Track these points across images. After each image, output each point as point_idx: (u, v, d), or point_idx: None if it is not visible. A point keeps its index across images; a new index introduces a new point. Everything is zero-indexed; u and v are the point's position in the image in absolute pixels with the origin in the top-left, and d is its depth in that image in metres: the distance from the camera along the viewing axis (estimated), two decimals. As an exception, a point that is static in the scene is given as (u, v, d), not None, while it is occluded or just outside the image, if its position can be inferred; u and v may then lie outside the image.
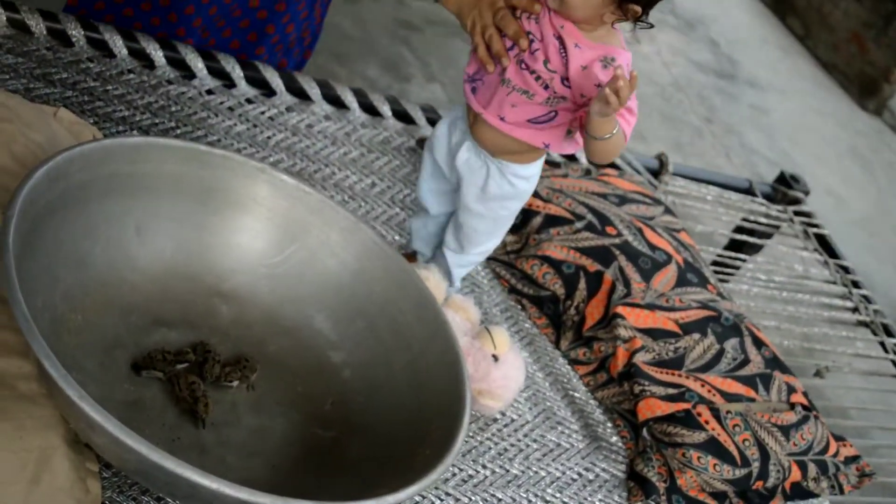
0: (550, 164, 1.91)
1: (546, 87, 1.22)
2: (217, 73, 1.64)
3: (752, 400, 1.53)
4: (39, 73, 1.47)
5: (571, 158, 1.98)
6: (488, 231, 1.40)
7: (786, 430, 1.50)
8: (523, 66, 1.22)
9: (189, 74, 1.62)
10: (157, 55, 1.59)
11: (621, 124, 1.19)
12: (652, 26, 1.21)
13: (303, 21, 1.69)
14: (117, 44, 1.57)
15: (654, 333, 1.54)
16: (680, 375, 1.51)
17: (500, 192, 1.34)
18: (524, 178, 1.33)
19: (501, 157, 1.30)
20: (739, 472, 1.43)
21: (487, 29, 1.24)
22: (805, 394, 1.64)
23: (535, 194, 1.70)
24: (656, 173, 2.15)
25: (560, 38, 1.19)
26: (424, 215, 1.47)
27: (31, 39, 1.51)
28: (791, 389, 1.60)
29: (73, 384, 0.86)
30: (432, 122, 1.87)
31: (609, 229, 1.68)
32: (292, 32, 1.69)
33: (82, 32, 1.55)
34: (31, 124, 1.28)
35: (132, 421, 1.02)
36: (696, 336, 1.57)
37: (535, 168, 1.33)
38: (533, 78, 1.22)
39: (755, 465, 1.45)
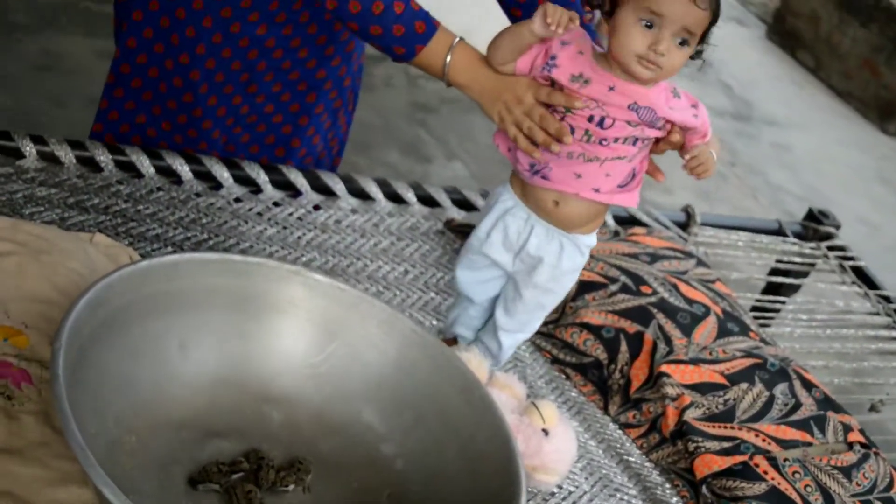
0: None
1: (636, 142, 1.26)
2: (243, 180, 1.68)
3: (809, 444, 1.52)
4: (72, 201, 1.51)
5: (598, 222, 1.99)
6: (552, 305, 1.44)
7: (847, 472, 1.49)
8: (605, 142, 1.25)
9: (216, 185, 1.66)
10: (184, 170, 1.63)
11: (710, 141, 1.30)
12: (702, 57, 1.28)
13: (327, 131, 1.74)
14: (144, 163, 1.61)
15: (702, 388, 1.54)
16: (732, 428, 1.50)
17: (573, 265, 1.37)
18: (590, 247, 1.38)
19: (575, 230, 1.34)
20: (805, 520, 1.41)
21: (523, 123, 1.27)
22: (862, 431, 1.62)
23: (567, 262, 1.72)
24: (684, 226, 2.16)
25: (631, 105, 1.24)
26: (466, 303, 1.48)
27: (61, 170, 1.56)
28: (847, 428, 1.59)
29: (133, 508, 0.87)
30: (457, 202, 1.89)
31: (644, 288, 1.69)
32: (319, 143, 1.74)
33: (110, 157, 1.60)
34: (69, 253, 1.31)
35: (194, 536, 1.03)
36: (745, 386, 1.56)
37: (596, 234, 1.38)
38: (622, 143, 1.26)
39: (820, 511, 1.43)
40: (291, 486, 1.16)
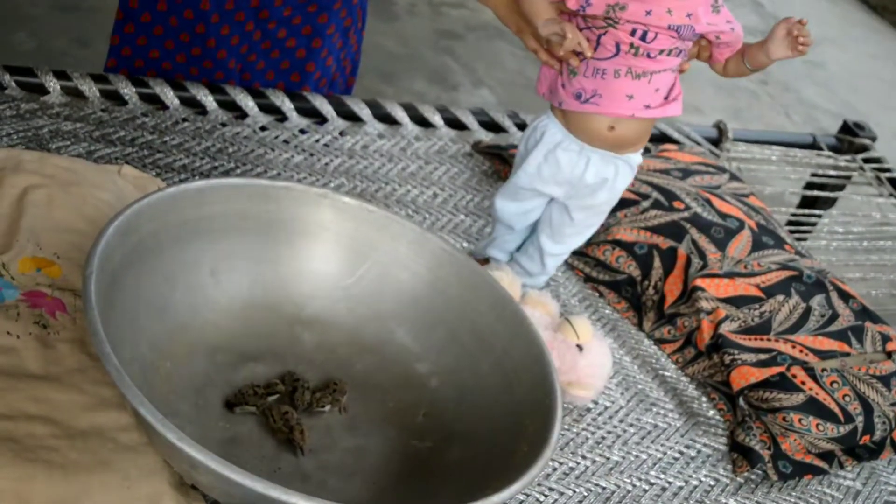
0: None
1: (679, 53, 1.26)
2: (268, 108, 1.67)
3: (847, 354, 1.51)
4: (98, 134, 1.51)
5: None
6: (598, 223, 1.44)
7: (886, 380, 1.47)
8: (652, 54, 1.24)
9: (241, 114, 1.65)
10: (208, 100, 1.62)
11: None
12: None
13: (340, 51, 1.72)
14: (168, 95, 1.60)
15: (737, 301, 1.53)
16: (769, 340, 1.49)
17: (626, 183, 1.38)
18: (639, 164, 1.37)
19: (627, 151, 1.33)
20: (844, 429, 1.41)
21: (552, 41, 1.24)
22: (901, 341, 1.60)
23: (597, 180, 1.70)
24: (716, 142, 2.13)
25: (671, 25, 1.22)
26: (505, 230, 1.46)
27: (86, 104, 1.56)
28: (886, 338, 1.57)
29: (171, 428, 0.88)
30: (484, 125, 1.87)
31: (676, 204, 1.67)
32: (332, 65, 1.72)
33: (134, 90, 1.59)
34: (98, 185, 1.31)
35: (232, 457, 1.03)
36: (780, 298, 1.55)
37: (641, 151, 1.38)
38: (666, 55, 1.24)
39: (859, 420, 1.42)
40: (327, 407, 1.16)
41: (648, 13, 1.21)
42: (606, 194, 1.37)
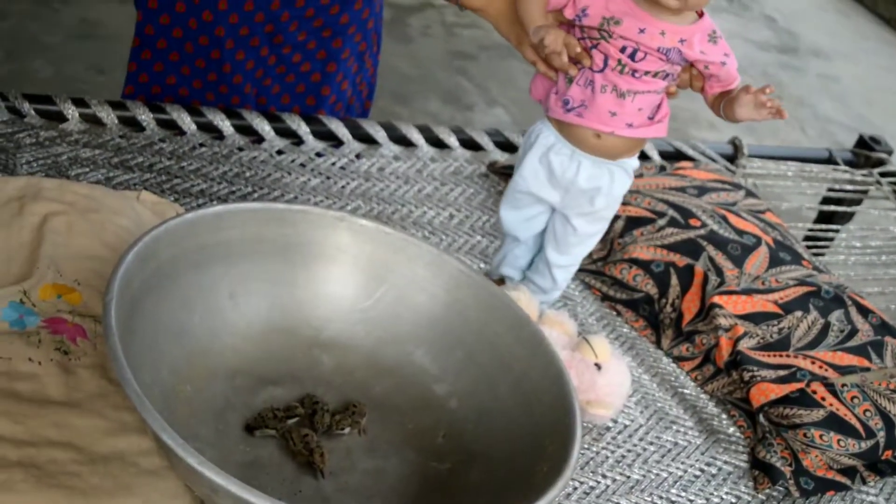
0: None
1: (666, 76, 1.26)
2: (284, 132, 1.68)
3: (867, 369, 1.50)
4: (117, 161, 1.52)
5: (644, 157, 1.97)
6: (602, 230, 1.44)
7: (907, 395, 1.47)
8: (637, 73, 1.24)
9: (258, 139, 1.66)
10: (225, 125, 1.64)
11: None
12: None
13: (355, 75, 1.73)
14: (185, 121, 1.62)
15: (755, 318, 1.52)
16: (788, 356, 1.48)
17: (623, 189, 1.38)
18: (636, 168, 1.38)
19: (621, 157, 1.33)
20: (865, 445, 1.40)
21: (543, 49, 1.25)
22: (921, 355, 1.59)
23: (613, 199, 1.70)
24: (732, 158, 2.12)
25: (661, 48, 1.22)
26: (513, 243, 1.47)
27: (104, 131, 1.57)
28: (906, 353, 1.56)
29: (191, 452, 0.88)
30: (499, 145, 1.88)
31: (692, 221, 1.67)
32: (347, 89, 1.73)
33: (151, 116, 1.61)
34: (117, 211, 1.32)
35: (253, 480, 1.04)
36: (799, 314, 1.54)
37: (637, 156, 1.38)
38: (652, 77, 1.25)
39: (881, 435, 1.41)
40: (347, 429, 1.17)
41: (642, 31, 1.21)
42: (604, 200, 1.36)
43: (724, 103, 1.28)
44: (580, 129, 1.31)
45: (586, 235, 1.41)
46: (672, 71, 1.26)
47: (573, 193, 1.36)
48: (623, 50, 1.23)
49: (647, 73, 1.24)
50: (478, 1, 1.34)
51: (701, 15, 1.25)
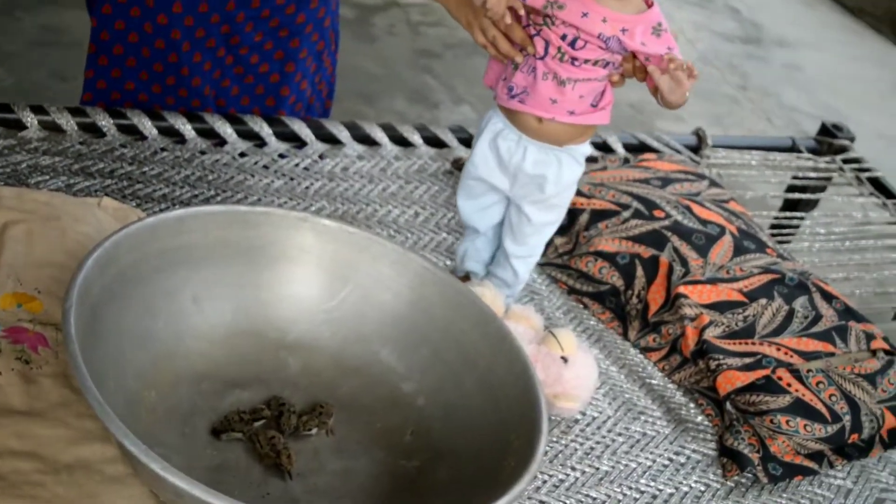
0: (589, 159, 1.90)
1: (607, 65, 1.25)
2: (246, 134, 1.67)
3: (832, 354, 1.51)
4: (77, 167, 1.51)
5: (608, 150, 1.98)
6: (558, 221, 1.43)
7: (871, 378, 1.48)
8: (577, 62, 1.24)
9: (220, 142, 1.65)
10: (186, 128, 1.63)
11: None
12: None
13: (314, 75, 1.72)
14: (146, 125, 1.61)
15: (720, 306, 1.53)
16: (753, 343, 1.49)
17: (573, 177, 1.37)
18: (585, 154, 1.37)
19: (569, 143, 1.33)
20: (832, 429, 1.41)
21: (488, 31, 1.26)
22: (886, 338, 1.61)
23: (577, 191, 1.70)
24: (696, 149, 2.13)
25: (600, 35, 1.22)
26: (473, 235, 1.48)
27: (63, 137, 1.56)
28: (870, 337, 1.58)
29: (154, 457, 0.88)
30: (463, 141, 1.88)
31: (657, 213, 1.67)
32: (307, 88, 1.73)
33: (111, 121, 1.60)
34: (78, 218, 1.32)
35: (220, 484, 1.04)
36: (763, 301, 1.55)
37: (589, 143, 1.37)
38: (591, 65, 1.25)
39: (846, 419, 1.43)
40: (314, 430, 1.17)
41: (585, 15, 1.22)
42: (553, 187, 1.36)
43: (658, 93, 1.27)
44: (523, 115, 1.31)
45: (541, 224, 1.41)
46: (612, 59, 1.26)
47: (521, 180, 1.36)
48: (563, 38, 1.24)
49: (586, 61, 1.25)
50: None
51: (650, 5, 1.25)
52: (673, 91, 1.23)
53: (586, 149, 1.37)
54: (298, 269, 1.28)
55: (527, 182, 1.36)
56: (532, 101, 1.29)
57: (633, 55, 1.26)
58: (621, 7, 1.23)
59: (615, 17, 1.22)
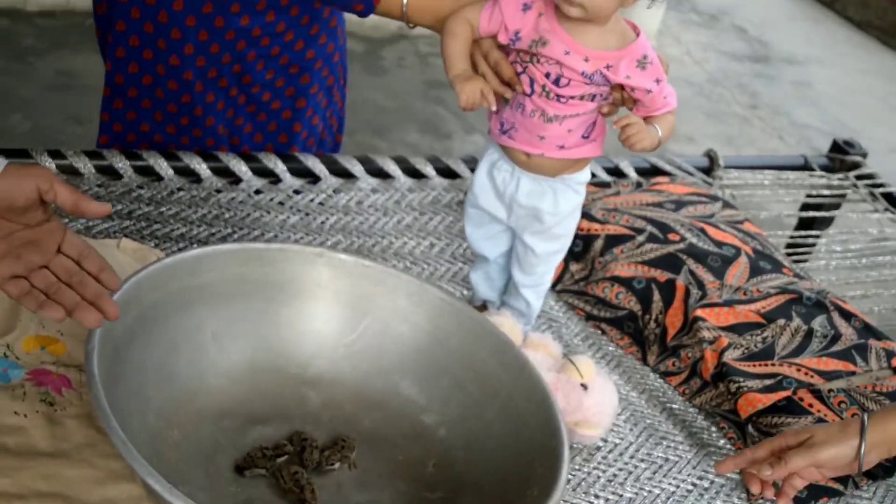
0: (600, 185, 1.92)
1: (594, 98, 1.25)
2: (261, 172, 1.69)
3: (853, 373, 1.51)
4: (95, 210, 1.53)
5: (620, 175, 1.98)
6: (563, 250, 1.43)
7: (893, 396, 1.47)
8: (563, 99, 1.24)
9: (235, 180, 1.67)
10: (202, 168, 1.64)
11: (660, 118, 1.25)
12: None
13: (325, 110, 1.74)
14: (162, 166, 1.62)
15: (738, 328, 1.53)
16: (773, 364, 1.49)
17: (571, 206, 1.37)
18: (584, 183, 1.37)
19: (562, 173, 1.33)
20: (855, 448, 1.40)
21: (479, 66, 1.28)
22: (906, 356, 1.60)
23: (591, 217, 1.72)
24: (708, 171, 2.14)
25: (584, 72, 1.22)
26: (483, 264, 1.49)
27: (81, 180, 1.58)
28: (890, 354, 1.57)
29: (179, 496, 0.89)
30: (476, 171, 1.89)
31: (671, 236, 1.68)
32: (318, 123, 1.74)
33: (128, 163, 1.61)
34: (96, 260, 1.33)
35: (245, 521, 1.05)
36: (782, 322, 1.55)
37: (588, 170, 1.37)
38: (578, 100, 1.25)
39: (870, 438, 1.42)
40: (337, 465, 1.17)
41: (567, 53, 1.21)
42: (550, 218, 1.36)
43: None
44: (512, 150, 1.32)
45: (545, 254, 1.41)
46: (599, 92, 1.25)
47: (517, 211, 1.37)
48: (547, 76, 1.23)
49: (572, 97, 1.24)
50: (426, 19, 1.35)
51: (637, 34, 1.24)
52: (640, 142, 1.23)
53: (584, 176, 1.36)
54: (316, 304, 1.29)
55: (523, 213, 1.36)
56: (520, 136, 1.30)
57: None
58: (603, 42, 1.21)
59: (597, 56, 1.21)
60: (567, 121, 1.26)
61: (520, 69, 1.26)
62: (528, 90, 1.26)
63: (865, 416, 1.27)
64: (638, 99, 1.25)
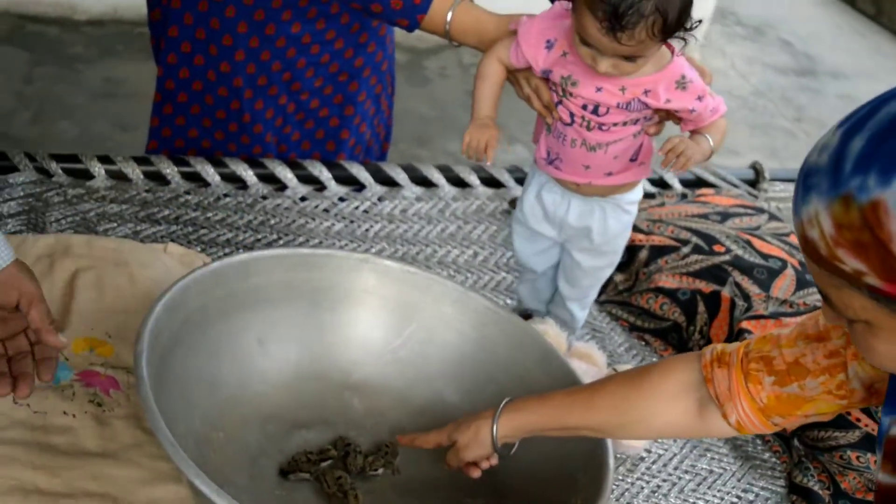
0: (645, 196, 1.91)
1: (636, 122, 1.24)
2: (306, 179, 1.70)
3: (901, 388, 1.49)
4: (143, 214, 1.55)
5: (665, 186, 1.97)
6: (611, 267, 1.43)
7: (943, 413, 1.45)
8: (604, 127, 1.24)
9: (281, 186, 1.68)
10: (248, 174, 1.66)
11: (710, 125, 1.24)
12: (691, 28, 1.18)
13: (373, 118, 1.75)
14: (209, 172, 1.64)
15: (785, 341, 1.51)
16: (820, 378, 1.47)
17: (621, 226, 1.37)
18: (636, 202, 1.36)
19: (613, 195, 1.33)
20: (904, 464, 1.38)
21: (523, 89, 1.29)
22: (956, 372, 1.58)
23: (636, 228, 1.71)
24: (753, 183, 2.12)
25: (619, 104, 1.21)
26: (531, 276, 1.48)
27: (130, 186, 1.59)
28: (940, 370, 1.55)
29: (227, 498, 0.89)
30: (519, 181, 1.89)
31: (716, 248, 1.67)
32: (366, 131, 1.75)
33: (175, 169, 1.63)
34: (145, 264, 1.34)
35: (289, 524, 1.05)
36: (829, 335, 1.53)
37: (641, 188, 1.36)
38: (621, 126, 1.24)
39: (919, 454, 1.40)
40: (380, 470, 1.17)
41: (599, 90, 1.21)
42: (599, 237, 1.36)
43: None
44: (560, 179, 1.32)
45: (592, 269, 1.41)
46: (642, 115, 1.24)
47: (567, 231, 1.36)
48: (584, 107, 1.23)
49: (614, 124, 1.23)
50: (469, 39, 1.36)
51: (673, 53, 1.22)
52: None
53: (635, 195, 1.35)
54: (362, 310, 1.30)
55: (573, 233, 1.36)
56: (566, 167, 1.29)
57: None
58: (638, 69, 1.19)
59: (633, 83, 1.20)
60: (612, 147, 1.26)
61: (556, 99, 1.26)
62: (567, 120, 1.25)
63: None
64: (682, 117, 1.24)
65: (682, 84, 1.21)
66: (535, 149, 1.34)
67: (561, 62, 1.23)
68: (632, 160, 1.28)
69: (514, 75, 1.31)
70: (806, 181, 0.75)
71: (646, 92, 1.20)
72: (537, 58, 1.24)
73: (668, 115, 1.26)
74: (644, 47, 1.14)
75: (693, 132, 1.25)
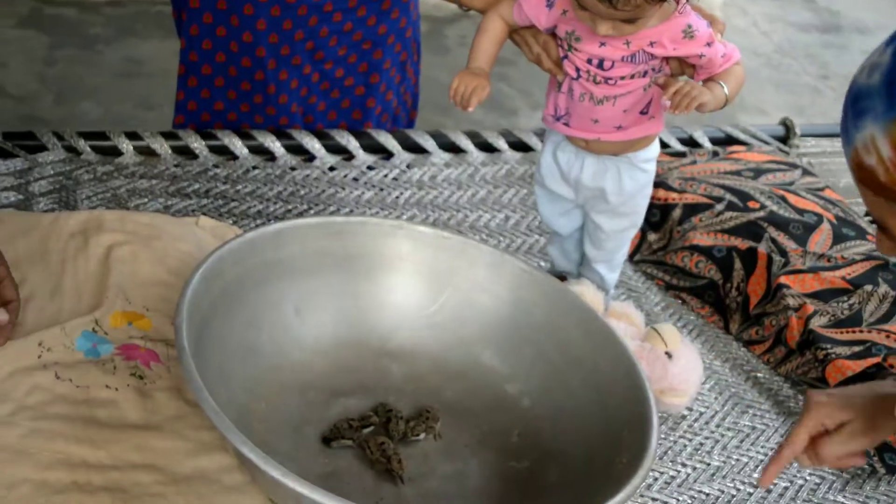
0: (676, 154, 1.89)
1: (644, 74, 1.22)
2: (334, 149, 1.69)
3: (944, 339, 1.47)
4: (173, 189, 1.54)
5: (695, 145, 1.95)
6: (634, 227, 1.41)
7: None
8: (611, 80, 1.22)
9: (309, 157, 1.67)
10: (276, 146, 1.65)
11: (724, 73, 1.20)
12: None
13: (399, 85, 1.73)
14: (237, 145, 1.63)
15: (824, 295, 1.50)
16: (861, 331, 1.46)
17: (637, 185, 1.34)
18: (652, 160, 1.34)
19: (627, 152, 1.30)
20: (949, 415, 1.37)
21: (533, 48, 1.26)
22: None
23: (669, 187, 1.69)
24: (784, 139, 2.09)
25: (625, 57, 1.20)
26: (559, 238, 1.47)
27: (158, 161, 1.59)
28: (982, 320, 1.53)
29: (275, 465, 0.89)
30: (549, 143, 1.87)
31: (751, 204, 1.65)
32: (393, 99, 1.74)
33: (203, 143, 1.62)
34: (178, 237, 1.34)
35: (334, 490, 1.03)
36: (869, 288, 1.51)
37: (657, 145, 1.34)
38: (629, 79, 1.22)
39: (964, 405, 1.38)
40: (422, 435, 1.17)
41: (603, 45, 1.19)
42: (616, 197, 1.33)
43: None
44: (570, 136, 1.30)
45: (614, 232, 1.39)
46: (649, 66, 1.21)
47: (583, 191, 1.35)
48: (590, 61, 1.21)
49: (622, 77, 1.21)
50: (477, 3, 1.34)
51: (679, 1, 1.18)
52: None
53: (651, 153, 1.32)
54: (396, 276, 1.29)
55: (589, 194, 1.34)
56: (574, 122, 1.27)
57: None
58: (639, 29, 1.17)
59: (638, 36, 1.18)
60: (620, 101, 1.23)
61: (562, 54, 1.24)
62: (573, 74, 1.24)
63: None
64: (692, 65, 1.22)
65: (688, 33, 1.19)
66: (544, 110, 1.32)
67: (562, 20, 1.22)
68: (642, 113, 1.26)
69: (521, 36, 1.28)
70: (856, 105, 0.71)
71: (651, 43, 1.19)
72: (539, 17, 1.23)
73: (680, 66, 1.23)
74: (641, 10, 1.12)
75: (707, 80, 1.23)
